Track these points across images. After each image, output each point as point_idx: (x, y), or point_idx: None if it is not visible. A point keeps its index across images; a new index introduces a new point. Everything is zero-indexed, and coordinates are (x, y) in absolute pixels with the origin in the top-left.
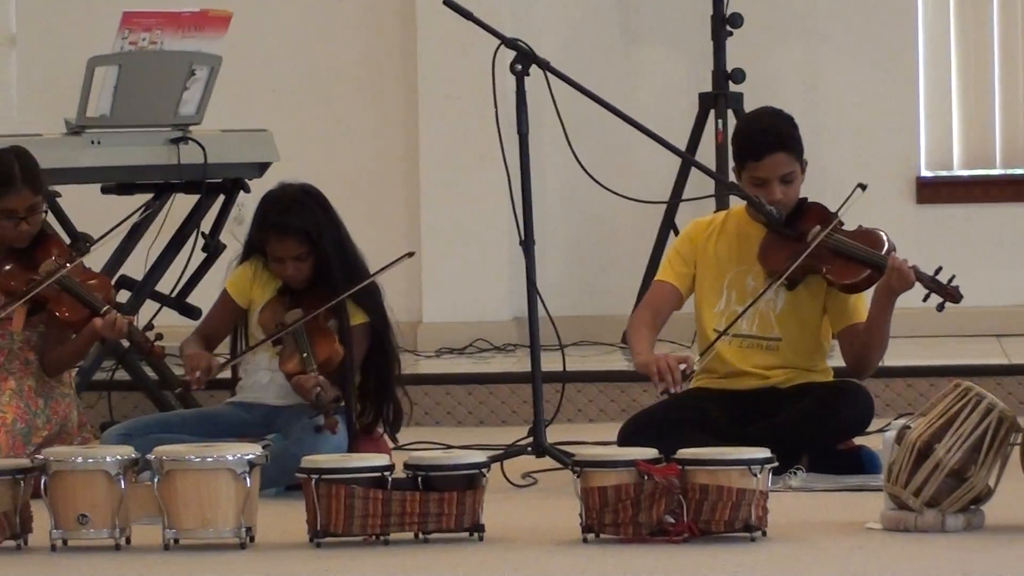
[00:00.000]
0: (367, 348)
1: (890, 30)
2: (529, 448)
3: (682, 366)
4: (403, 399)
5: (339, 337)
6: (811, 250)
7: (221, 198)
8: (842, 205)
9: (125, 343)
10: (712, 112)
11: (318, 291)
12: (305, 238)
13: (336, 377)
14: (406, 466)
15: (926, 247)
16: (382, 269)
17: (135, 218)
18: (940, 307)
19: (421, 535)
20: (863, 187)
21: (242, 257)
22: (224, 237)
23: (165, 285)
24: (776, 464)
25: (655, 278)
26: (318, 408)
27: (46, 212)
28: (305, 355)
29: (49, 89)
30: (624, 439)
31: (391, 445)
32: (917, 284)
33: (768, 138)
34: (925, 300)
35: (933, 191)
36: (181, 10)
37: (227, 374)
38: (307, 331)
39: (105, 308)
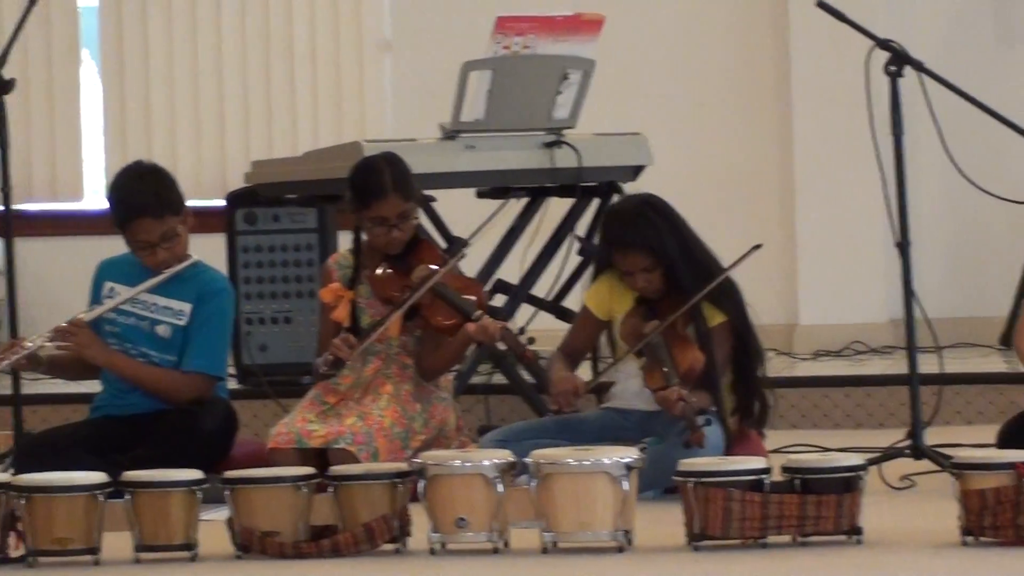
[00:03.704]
0: (730, 347)
1: None
2: (907, 450)
3: None
4: (768, 394)
5: (699, 342)
6: None
7: (595, 201)
8: None
9: (501, 347)
10: None
11: (673, 299)
12: (648, 251)
13: (702, 382)
14: (784, 469)
15: None
16: (733, 265)
17: (504, 219)
18: None
19: (799, 538)
20: None
21: (595, 271)
22: (598, 240)
23: (541, 289)
24: None
25: None
26: (684, 423)
27: (416, 218)
28: (666, 369)
29: (423, 94)
30: (1004, 441)
31: (766, 447)
32: None
33: None
34: None
35: None
36: (554, 14)
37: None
38: (666, 341)
39: (477, 313)
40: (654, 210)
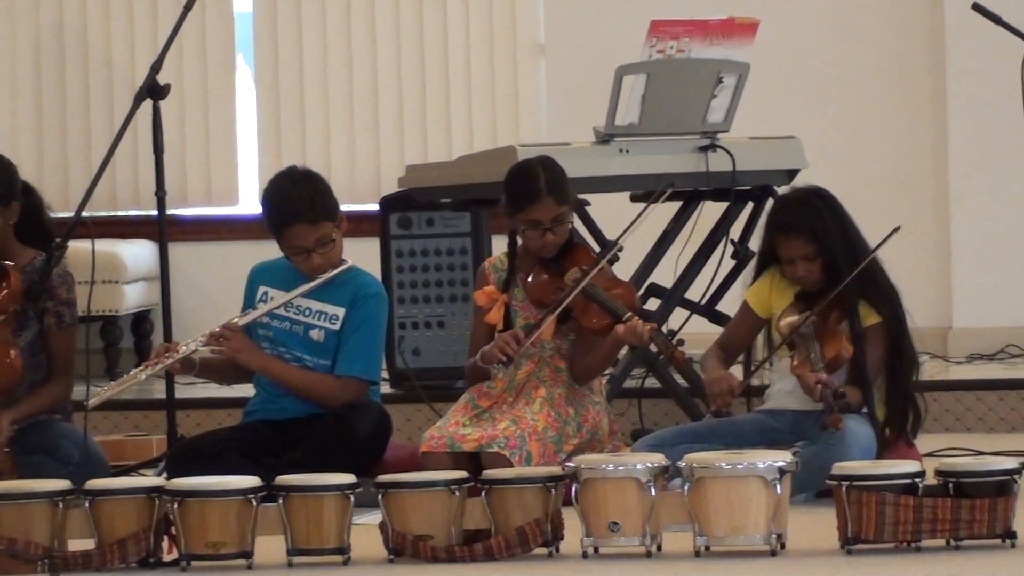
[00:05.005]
0: (883, 350)
1: None
2: None
3: None
4: (920, 401)
5: (852, 340)
6: None
7: (750, 205)
8: None
9: (654, 349)
10: None
11: (830, 293)
12: (811, 237)
13: (852, 379)
14: (937, 473)
15: None
16: (878, 246)
17: (658, 223)
18: None
19: (952, 542)
20: None
21: (757, 267)
22: (753, 244)
23: (695, 292)
24: None
25: None
26: (822, 405)
27: (571, 222)
28: (813, 355)
29: (577, 98)
30: None
31: (920, 451)
32: None
33: None
34: None
35: None
36: (708, 18)
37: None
38: (816, 333)
39: (628, 315)
40: (821, 200)
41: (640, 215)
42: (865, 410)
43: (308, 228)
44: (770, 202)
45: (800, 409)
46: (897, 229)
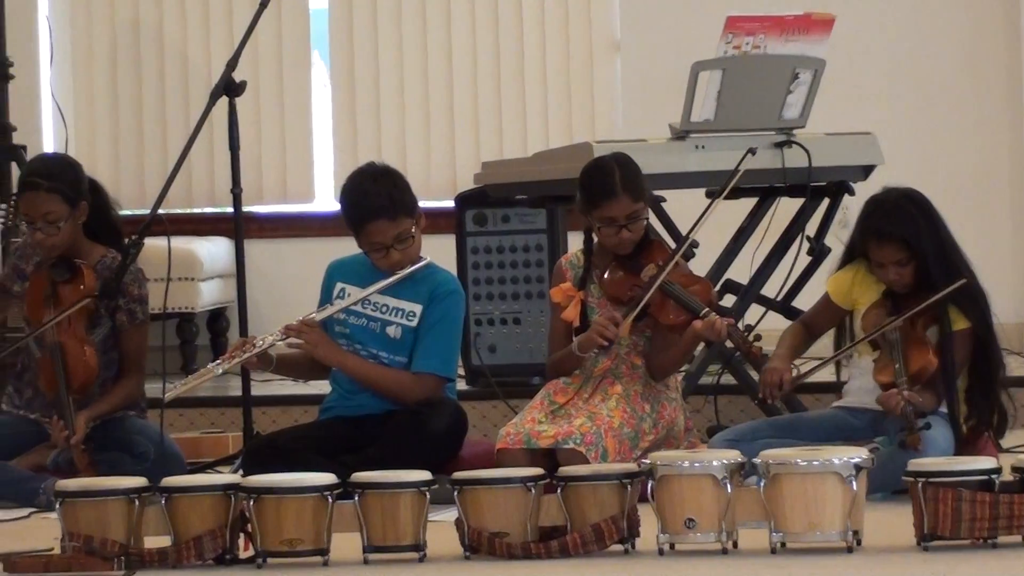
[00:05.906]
0: (968, 354)
1: None
2: None
3: None
4: (1007, 403)
5: (940, 344)
6: None
7: (826, 201)
8: None
9: (729, 346)
10: None
11: (919, 298)
12: (904, 244)
13: (933, 384)
14: (1014, 469)
15: None
16: (950, 289)
17: (733, 219)
18: None
19: None
20: None
21: (843, 260)
22: (829, 240)
23: (770, 289)
24: None
25: None
26: (904, 424)
27: (646, 218)
28: (897, 366)
29: (653, 94)
30: None
31: (997, 449)
32: None
33: None
34: None
35: None
36: (784, 14)
37: (831, 376)
38: (903, 339)
39: (705, 310)
40: (915, 205)
41: (728, 184)
42: (944, 409)
43: (388, 224)
44: (846, 198)
45: (879, 410)
46: (964, 282)
